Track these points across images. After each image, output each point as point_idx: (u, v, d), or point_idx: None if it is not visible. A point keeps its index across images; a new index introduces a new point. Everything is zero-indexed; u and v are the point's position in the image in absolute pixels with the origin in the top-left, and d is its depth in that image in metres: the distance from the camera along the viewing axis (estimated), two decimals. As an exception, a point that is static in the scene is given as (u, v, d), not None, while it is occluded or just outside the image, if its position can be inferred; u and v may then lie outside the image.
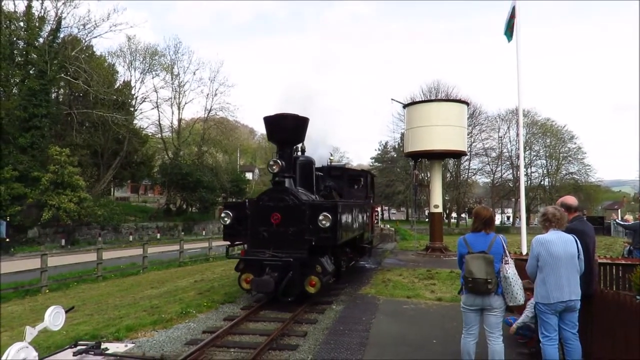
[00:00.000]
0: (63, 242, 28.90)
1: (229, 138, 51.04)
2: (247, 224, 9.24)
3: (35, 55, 31.88)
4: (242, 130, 66.56)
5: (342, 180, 13.33)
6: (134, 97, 43.14)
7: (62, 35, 34.44)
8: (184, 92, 48.18)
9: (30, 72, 31.89)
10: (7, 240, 25.56)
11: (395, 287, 11.56)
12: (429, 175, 23.78)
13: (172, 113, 48.53)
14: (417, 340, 6.91)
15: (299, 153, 10.99)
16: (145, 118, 65.55)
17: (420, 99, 43.88)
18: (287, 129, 9.40)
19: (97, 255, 17.09)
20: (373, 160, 72.04)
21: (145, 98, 44.35)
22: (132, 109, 42.20)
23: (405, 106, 22.41)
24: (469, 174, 59.54)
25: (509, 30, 11.17)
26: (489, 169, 58.71)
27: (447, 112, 20.40)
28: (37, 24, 32.47)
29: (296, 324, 7.98)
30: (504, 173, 58.69)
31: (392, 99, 36.47)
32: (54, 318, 6.92)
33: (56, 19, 33.60)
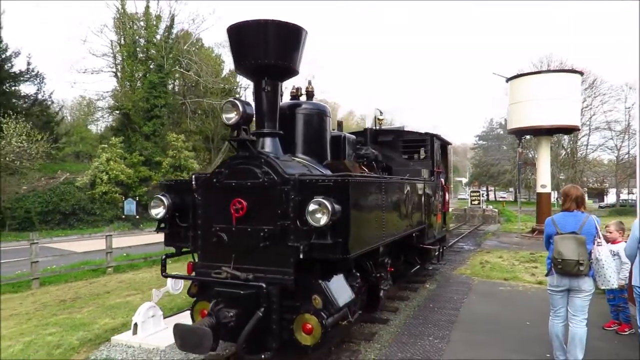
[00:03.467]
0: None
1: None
2: (194, 218, 5.28)
3: (154, 51, 35.38)
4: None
5: (393, 147, 9.45)
6: (239, 84, 45.79)
7: (175, 31, 37.75)
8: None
9: (150, 66, 35.55)
10: (137, 217, 29.12)
11: (493, 269, 11.26)
12: (535, 153, 22.24)
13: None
14: (508, 321, 6.81)
15: (303, 98, 6.63)
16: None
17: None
18: (266, 47, 5.14)
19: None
20: (477, 138, 68.55)
21: (249, 85, 46.89)
22: (238, 96, 44.91)
23: (508, 80, 21.05)
24: (588, 150, 54.01)
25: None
26: (613, 144, 52.68)
27: (555, 83, 18.81)
28: (154, 23, 35.91)
29: (389, 300, 8.12)
30: (631, 148, 52.25)
31: (493, 73, 34.33)
32: (175, 283, 8.03)
33: (170, 16, 36.87)
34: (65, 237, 23.94)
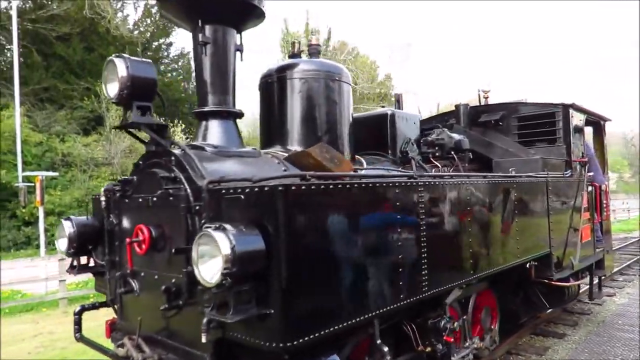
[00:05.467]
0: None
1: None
2: (109, 252, 3.53)
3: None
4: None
5: (503, 129, 6.31)
6: (394, 87, 44.99)
7: (332, 43, 38.70)
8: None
9: None
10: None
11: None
12: None
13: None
14: None
15: (302, 48, 4.38)
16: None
17: None
18: None
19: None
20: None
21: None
22: (392, 99, 44.35)
23: None
24: None
25: None
26: None
27: None
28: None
29: (565, 312, 7.11)
30: None
31: None
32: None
33: (327, 29, 37.84)
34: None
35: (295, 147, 3.89)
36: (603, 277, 7.22)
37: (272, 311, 2.28)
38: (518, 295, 5.79)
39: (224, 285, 2.14)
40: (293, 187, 2.35)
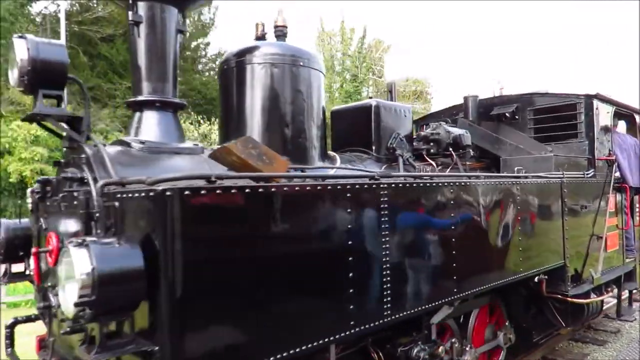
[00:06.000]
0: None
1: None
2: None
3: (348, 62, 36.78)
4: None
5: (518, 124, 5.60)
6: (430, 85, 44.32)
7: (367, 41, 38.45)
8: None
9: (346, 77, 36.83)
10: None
11: None
12: None
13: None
14: None
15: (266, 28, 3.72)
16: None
17: None
18: None
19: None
20: None
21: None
22: (429, 97, 43.67)
23: None
24: None
25: None
26: None
27: None
28: (349, 36, 37.19)
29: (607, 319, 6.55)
30: None
31: None
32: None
33: (363, 27, 37.49)
34: None
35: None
36: (635, 291, 6.38)
37: (157, 348, 1.81)
38: (531, 310, 5.11)
39: (82, 317, 1.68)
40: (187, 192, 1.86)
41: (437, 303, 3.04)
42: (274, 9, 3.90)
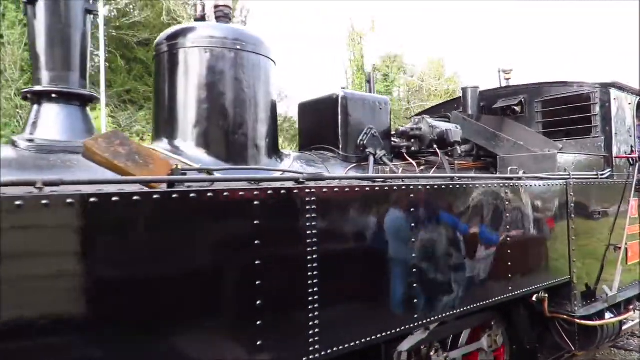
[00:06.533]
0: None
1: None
2: None
3: (379, 62, 36.76)
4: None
5: (524, 118, 5.03)
6: (461, 82, 43.90)
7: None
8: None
9: (377, 77, 36.64)
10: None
11: None
12: None
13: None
14: None
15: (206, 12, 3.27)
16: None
17: None
18: None
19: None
20: None
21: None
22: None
23: None
24: None
25: None
26: None
27: None
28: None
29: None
30: None
31: None
32: None
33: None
34: None
35: (186, 142, 2.94)
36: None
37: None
38: (535, 331, 4.44)
39: None
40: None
41: (386, 334, 2.49)
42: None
